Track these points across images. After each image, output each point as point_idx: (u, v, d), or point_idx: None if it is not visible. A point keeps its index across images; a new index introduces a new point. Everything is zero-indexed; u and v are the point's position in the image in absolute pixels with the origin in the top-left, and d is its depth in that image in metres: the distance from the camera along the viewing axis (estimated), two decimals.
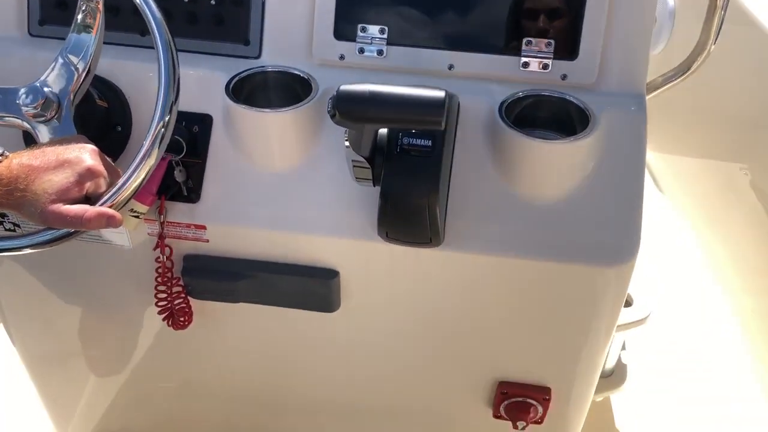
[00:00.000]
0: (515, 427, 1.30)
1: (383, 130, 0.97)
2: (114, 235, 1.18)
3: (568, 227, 1.09)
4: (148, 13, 0.98)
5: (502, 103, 1.10)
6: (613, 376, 1.67)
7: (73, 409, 1.56)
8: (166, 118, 0.97)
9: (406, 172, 0.96)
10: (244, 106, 1.09)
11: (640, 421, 1.89)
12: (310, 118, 1.11)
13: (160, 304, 1.21)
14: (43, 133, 1.01)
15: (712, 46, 1.21)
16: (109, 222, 0.91)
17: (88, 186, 0.91)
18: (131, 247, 1.18)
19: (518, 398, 1.28)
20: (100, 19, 1.01)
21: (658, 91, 1.30)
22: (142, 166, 0.96)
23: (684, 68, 1.26)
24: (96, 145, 0.99)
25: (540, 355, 1.24)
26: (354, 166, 1.00)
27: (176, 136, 1.10)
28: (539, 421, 1.31)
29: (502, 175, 1.10)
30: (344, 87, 0.85)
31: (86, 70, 1.02)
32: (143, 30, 1.18)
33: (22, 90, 1.00)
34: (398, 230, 1.03)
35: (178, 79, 0.99)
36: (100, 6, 1.00)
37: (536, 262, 1.09)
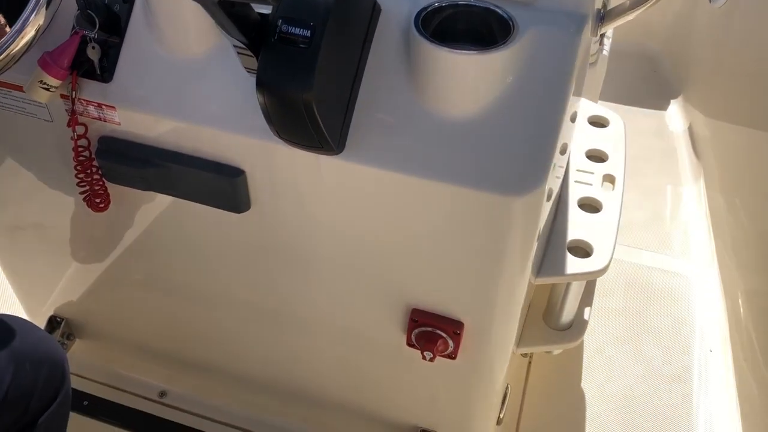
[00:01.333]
0: (423, 357, 1.25)
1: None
2: (35, 109, 1.19)
3: (474, 150, 1.01)
4: None
5: (420, 11, 1.02)
6: (570, 330, 1.58)
7: (30, 284, 1.63)
8: None
9: (280, 63, 0.91)
10: None
11: (596, 376, 1.82)
12: None
13: (80, 185, 1.22)
14: None
15: None
16: None
17: None
18: (53, 121, 1.20)
19: (427, 327, 1.23)
20: None
21: (627, 16, 1.17)
22: (27, 25, 0.96)
23: None
24: (12, 11, 0.99)
25: (450, 286, 1.18)
26: (238, 52, 0.95)
27: (90, 11, 1.09)
28: (452, 356, 1.26)
29: (414, 88, 1.03)
30: None
31: None
32: None
33: None
34: (283, 128, 0.99)
35: None
36: None
37: (438, 183, 1.03)
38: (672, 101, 2.76)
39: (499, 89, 1.00)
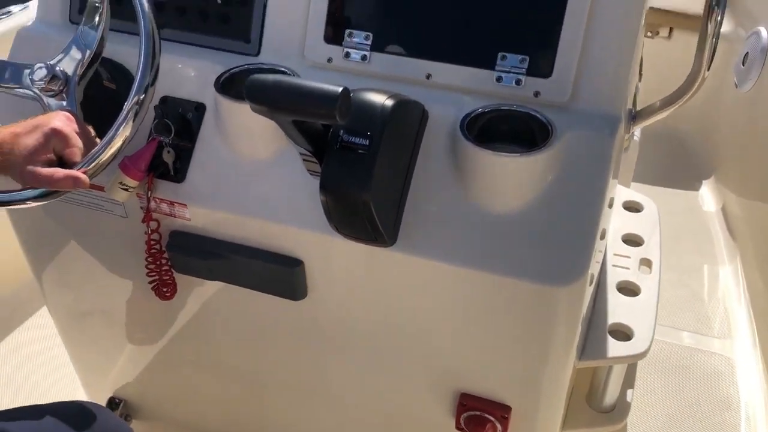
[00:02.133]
0: None
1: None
2: (112, 206, 1.30)
3: (520, 242, 1.09)
4: (138, 7, 1.09)
5: (465, 116, 1.12)
6: (614, 412, 1.60)
7: (92, 366, 1.72)
8: (141, 96, 1.07)
9: (342, 168, 1.00)
10: (227, 97, 1.18)
11: None
12: None
13: (149, 275, 1.32)
14: (51, 105, 1.15)
15: (706, 73, 1.17)
16: (76, 183, 1.03)
17: (55, 145, 1.03)
18: (127, 217, 1.31)
19: (477, 412, 1.28)
20: (105, 11, 1.13)
21: (658, 115, 1.26)
22: (116, 137, 1.07)
23: (680, 94, 1.22)
24: (102, 123, 1.11)
25: (498, 372, 1.23)
26: (303, 159, 1.06)
27: (167, 120, 1.21)
28: None
29: (461, 185, 1.12)
30: (255, 76, 0.91)
31: (92, 55, 1.15)
32: (161, 23, 1.31)
33: (36, 66, 1.14)
34: (342, 224, 1.08)
35: (157, 65, 1.09)
36: (105, 1, 1.13)
37: (486, 274, 1.10)
38: (704, 181, 2.82)
39: (540, 187, 1.08)
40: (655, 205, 1.82)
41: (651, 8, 2.83)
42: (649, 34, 2.90)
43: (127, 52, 1.23)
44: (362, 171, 1.00)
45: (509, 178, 1.09)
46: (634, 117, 1.25)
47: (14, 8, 2.20)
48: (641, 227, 1.75)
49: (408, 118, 1.09)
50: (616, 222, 1.75)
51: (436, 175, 1.13)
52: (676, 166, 2.92)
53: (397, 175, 1.09)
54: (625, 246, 1.70)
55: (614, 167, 1.19)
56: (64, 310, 1.61)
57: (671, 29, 2.96)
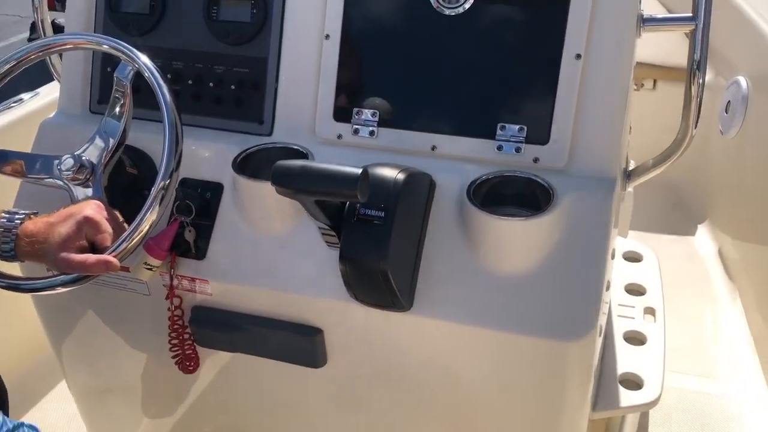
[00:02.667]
0: None
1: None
2: (135, 285, 1.35)
3: (530, 300, 1.14)
4: (161, 98, 1.16)
5: (471, 183, 1.19)
6: None
7: None
8: (166, 182, 1.14)
9: (360, 239, 1.07)
10: (244, 177, 1.25)
11: None
12: None
13: (172, 350, 1.36)
14: (78, 194, 1.22)
15: (694, 131, 1.24)
16: (108, 267, 1.08)
17: (87, 232, 1.09)
18: (150, 295, 1.36)
19: None
20: (128, 103, 1.21)
21: (651, 173, 1.33)
22: (143, 222, 1.13)
23: (670, 152, 1.29)
24: (126, 207, 1.18)
25: (514, 424, 1.27)
26: (322, 232, 1.12)
27: (188, 201, 1.28)
28: None
29: (470, 248, 1.18)
30: (280, 162, 0.98)
31: (116, 144, 1.22)
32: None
33: (64, 157, 1.21)
34: (361, 292, 1.14)
35: (180, 152, 1.16)
36: (128, 92, 1.20)
37: (499, 332, 1.15)
38: (699, 226, 2.89)
39: (546, 247, 1.15)
40: (655, 254, 1.88)
41: (649, 63, 2.92)
42: (634, 86, 3.02)
43: (147, 138, 1.31)
44: (380, 242, 1.06)
45: (516, 241, 1.15)
46: (629, 175, 1.32)
47: (25, 96, 2.29)
48: (643, 276, 1.81)
49: (418, 189, 1.16)
50: (618, 273, 1.81)
51: (447, 240, 1.19)
52: (671, 213, 2.99)
53: (411, 243, 1.15)
54: (629, 296, 1.76)
55: (613, 223, 1.26)
56: (84, 385, 1.64)
57: (655, 81, 3.07)
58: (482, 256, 1.17)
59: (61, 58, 1.52)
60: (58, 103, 1.49)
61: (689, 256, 2.75)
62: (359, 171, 0.95)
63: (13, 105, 2.27)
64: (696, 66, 1.21)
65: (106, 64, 1.42)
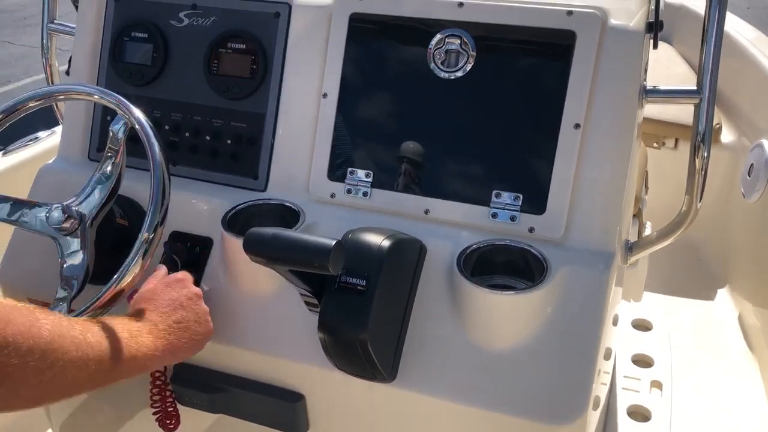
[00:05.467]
0: None
1: None
2: None
3: (518, 379, 1.09)
4: (150, 152, 1.15)
5: (462, 252, 1.15)
6: None
7: None
8: (150, 235, 1.12)
9: (340, 308, 1.03)
10: (231, 234, 1.22)
11: None
12: None
13: (153, 406, 1.33)
14: (64, 244, 1.20)
15: (698, 205, 1.19)
16: None
17: None
18: None
19: None
20: (121, 157, 1.20)
21: (656, 246, 1.28)
22: (126, 275, 1.11)
23: (674, 227, 1.24)
24: (114, 259, 1.16)
25: None
26: (302, 296, 1.09)
27: (174, 255, 1.25)
28: None
29: (459, 320, 1.13)
30: (253, 229, 0.96)
31: (106, 197, 1.21)
32: (174, 160, 1.38)
33: (53, 206, 1.20)
34: (341, 362, 1.09)
35: (166, 206, 1.14)
36: (122, 145, 1.19)
37: (485, 412, 1.09)
38: (719, 290, 2.79)
39: (537, 323, 1.10)
40: (666, 324, 1.81)
41: (657, 120, 2.88)
42: (655, 145, 2.96)
43: (142, 188, 1.29)
44: (360, 312, 1.02)
45: (506, 315, 1.10)
46: (631, 248, 1.27)
47: (41, 134, 2.32)
48: (651, 347, 1.73)
49: (406, 255, 1.12)
50: (626, 341, 1.74)
51: (435, 309, 1.15)
52: (690, 275, 2.90)
53: (395, 312, 1.11)
54: (636, 367, 1.69)
55: (610, 299, 1.21)
56: None
57: (677, 140, 3.02)
58: (471, 329, 1.12)
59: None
60: (59, 149, 1.49)
61: (707, 322, 2.65)
62: (332, 243, 0.92)
63: (29, 143, 2.30)
64: (701, 139, 1.17)
65: (107, 112, 1.43)
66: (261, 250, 0.95)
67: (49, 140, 2.28)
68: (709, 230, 3.01)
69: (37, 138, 2.32)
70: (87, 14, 1.45)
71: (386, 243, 1.05)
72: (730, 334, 2.57)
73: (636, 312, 1.82)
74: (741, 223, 2.76)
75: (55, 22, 1.57)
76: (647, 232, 2.03)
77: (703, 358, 2.44)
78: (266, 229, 0.95)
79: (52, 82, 1.63)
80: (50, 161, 1.48)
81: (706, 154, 1.17)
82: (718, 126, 2.75)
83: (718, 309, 2.72)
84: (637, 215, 1.86)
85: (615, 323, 1.38)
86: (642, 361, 1.68)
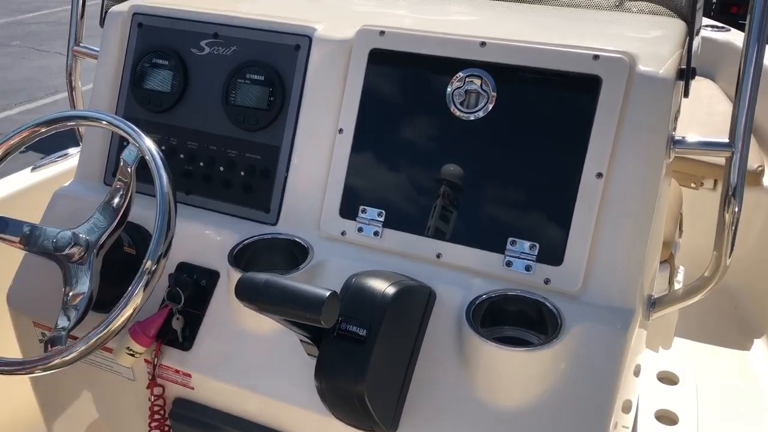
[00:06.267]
0: None
1: None
2: (121, 368, 1.30)
3: None
4: (158, 183, 1.13)
5: (472, 302, 1.09)
6: None
7: None
8: (153, 267, 1.09)
9: (338, 357, 0.98)
10: (237, 269, 1.19)
11: None
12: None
13: None
14: (69, 271, 1.19)
15: (728, 261, 1.12)
16: None
17: None
18: (135, 380, 1.30)
19: None
20: (131, 186, 1.18)
21: (681, 303, 1.21)
22: (128, 305, 1.08)
23: (704, 283, 1.17)
24: (121, 288, 1.14)
25: None
26: (301, 340, 1.05)
27: (178, 288, 1.23)
28: None
29: (467, 373, 1.08)
30: (247, 274, 0.92)
31: (114, 226, 1.19)
32: (188, 189, 1.37)
33: (60, 233, 1.18)
34: (338, 411, 1.05)
35: (171, 238, 1.11)
36: (132, 174, 1.18)
37: None
38: (756, 340, 2.67)
39: (548, 382, 1.03)
40: (695, 375, 1.72)
41: (694, 160, 2.79)
42: (693, 185, 2.87)
43: (153, 215, 1.27)
44: (358, 362, 0.97)
45: (515, 371, 1.04)
46: (654, 303, 1.21)
47: (71, 150, 2.33)
48: (677, 402, 1.65)
49: (413, 303, 1.08)
50: (649, 395, 1.66)
51: (442, 360, 1.09)
52: (726, 323, 2.78)
53: (399, 361, 1.06)
54: (659, 424, 1.60)
55: (631, 353, 1.14)
56: None
57: (716, 181, 2.91)
58: (478, 383, 1.06)
59: None
60: (76, 172, 1.48)
61: (742, 373, 2.53)
62: (326, 295, 0.87)
63: (58, 159, 2.32)
64: (732, 193, 1.10)
65: (124, 138, 1.41)
66: (252, 298, 0.91)
67: (77, 158, 2.29)
68: (748, 276, 2.88)
69: (66, 155, 2.34)
70: (111, 39, 1.45)
71: (391, 290, 1.01)
72: (766, 389, 2.45)
73: (664, 361, 1.74)
74: None
75: (81, 45, 1.58)
76: (679, 277, 1.94)
77: (733, 417, 2.33)
78: (259, 276, 0.92)
79: (75, 105, 1.63)
80: (66, 184, 1.48)
81: (737, 209, 1.10)
82: (760, 169, 2.65)
83: (754, 361, 2.59)
84: (669, 260, 1.78)
85: (637, 374, 1.31)
86: (666, 417, 1.60)
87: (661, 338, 1.84)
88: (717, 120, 2.84)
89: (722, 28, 3.31)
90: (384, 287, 1.01)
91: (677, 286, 1.90)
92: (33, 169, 2.14)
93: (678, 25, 1.34)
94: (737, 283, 2.93)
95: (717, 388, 2.02)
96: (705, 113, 2.86)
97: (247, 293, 0.91)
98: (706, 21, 3.35)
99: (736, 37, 3.12)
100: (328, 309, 0.87)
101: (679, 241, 1.89)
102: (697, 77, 1.14)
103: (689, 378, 1.71)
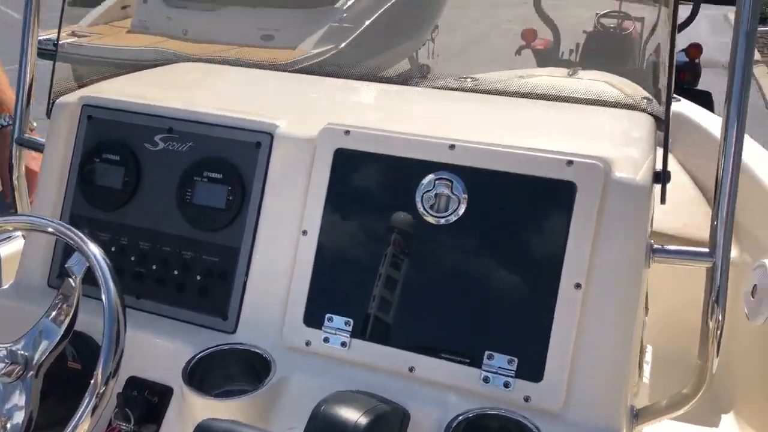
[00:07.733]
0: None
1: None
2: None
3: None
4: (106, 301, 1.04)
5: (448, 425, 1.02)
6: None
7: None
8: (101, 389, 0.99)
9: None
10: (193, 390, 1.10)
11: None
12: (259, 405, 1.10)
13: None
14: (4, 392, 1.07)
15: (714, 369, 1.08)
16: None
17: None
18: None
19: None
20: (77, 297, 1.09)
21: (661, 418, 1.15)
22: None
23: (685, 397, 1.12)
24: (65, 407, 1.03)
25: None
26: None
27: (127, 408, 1.12)
28: None
29: None
30: (205, 421, 0.83)
31: (57, 342, 1.09)
32: (139, 293, 1.27)
33: None
34: None
35: (119, 356, 1.01)
36: (78, 284, 1.08)
37: None
38: (723, 416, 2.64)
39: None
40: None
41: (656, 232, 2.81)
42: None
43: (101, 323, 1.17)
44: None
45: None
46: (636, 415, 1.15)
47: (16, 233, 2.20)
48: None
49: (386, 430, 1.00)
50: None
51: None
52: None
53: None
54: None
55: None
56: None
57: None
58: None
59: None
60: (16, 273, 1.38)
61: None
62: None
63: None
64: (715, 301, 1.07)
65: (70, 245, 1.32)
66: None
67: (20, 243, 2.16)
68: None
69: (10, 237, 2.21)
70: (58, 131, 1.37)
71: (363, 421, 0.93)
72: None
73: None
74: (747, 347, 2.63)
75: (26, 136, 1.48)
76: (648, 357, 1.90)
77: None
78: (219, 423, 0.83)
79: (20, 205, 1.53)
80: (5, 286, 1.36)
81: (720, 318, 1.06)
82: None
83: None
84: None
85: None
86: None
87: None
88: (675, 192, 2.87)
89: (673, 98, 3.38)
90: (356, 417, 0.93)
91: (646, 367, 1.86)
92: None
93: (647, 121, 1.32)
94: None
95: None
96: None
97: None
98: None
99: (687, 108, 3.18)
100: None
101: (645, 319, 1.86)
102: None
103: None
